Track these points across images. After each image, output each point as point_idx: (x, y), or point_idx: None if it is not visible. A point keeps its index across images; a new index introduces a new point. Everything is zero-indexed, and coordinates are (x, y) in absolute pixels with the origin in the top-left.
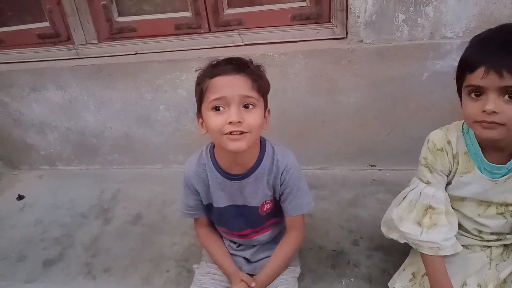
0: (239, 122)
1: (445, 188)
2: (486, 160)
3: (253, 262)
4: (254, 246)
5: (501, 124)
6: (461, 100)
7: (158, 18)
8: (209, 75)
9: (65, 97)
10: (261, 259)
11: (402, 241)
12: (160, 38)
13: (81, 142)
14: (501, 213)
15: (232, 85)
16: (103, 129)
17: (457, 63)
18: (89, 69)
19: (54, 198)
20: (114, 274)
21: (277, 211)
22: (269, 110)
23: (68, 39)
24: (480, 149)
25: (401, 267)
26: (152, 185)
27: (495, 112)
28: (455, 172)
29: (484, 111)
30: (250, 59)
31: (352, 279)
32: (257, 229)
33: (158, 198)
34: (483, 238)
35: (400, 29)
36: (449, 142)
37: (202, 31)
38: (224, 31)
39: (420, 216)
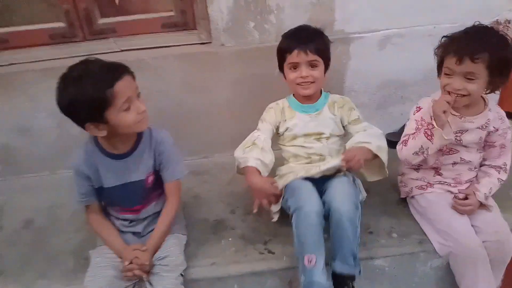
0: None
1: (283, 133)
2: (301, 104)
3: (144, 235)
4: (145, 220)
5: (312, 82)
6: (285, 76)
7: (32, 29)
8: (107, 84)
9: None
10: (151, 231)
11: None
12: (35, 48)
13: None
14: (318, 139)
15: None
16: None
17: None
18: None
19: None
20: (8, 275)
21: (160, 183)
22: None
23: None
24: (297, 101)
25: None
26: (40, 192)
27: (307, 76)
28: (285, 120)
29: (301, 77)
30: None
31: (230, 239)
32: (145, 202)
33: (47, 203)
34: (311, 158)
35: (252, 34)
36: (277, 104)
37: (77, 40)
38: (99, 39)
39: (246, 145)
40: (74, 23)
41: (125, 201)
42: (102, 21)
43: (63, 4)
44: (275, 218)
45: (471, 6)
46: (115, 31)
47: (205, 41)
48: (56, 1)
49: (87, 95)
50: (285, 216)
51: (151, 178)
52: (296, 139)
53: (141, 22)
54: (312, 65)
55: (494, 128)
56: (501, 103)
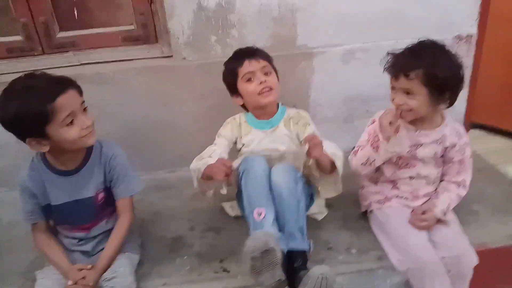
0: None
1: (241, 149)
2: (257, 119)
3: (93, 255)
4: (95, 238)
5: (272, 89)
6: (236, 94)
7: None
8: (49, 99)
9: None
10: (101, 249)
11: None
12: None
13: None
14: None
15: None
16: None
17: None
18: None
19: None
20: None
21: (111, 201)
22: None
23: None
24: (253, 116)
25: None
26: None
27: (265, 81)
28: (241, 136)
29: (260, 83)
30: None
31: (185, 257)
32: (95, 220)
33: (4, 220)
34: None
35: (214, 48)
36: (234, 118)
37: (35, 53)
38: (59, 52)
39: (202, 159)
40: (32, 36)
41: (73, 218)
42: (61, 34)
43: (21, 17)
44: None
45: (433, 21)
46: (74, 45)
47: (167, 55)
48: (14, 15)
49: (28, 109)
50: (244, 233)
51: (101, 195)
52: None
53: (101, 35)
54: (266, 72)
55: (451, 143)
56: (469, 115)
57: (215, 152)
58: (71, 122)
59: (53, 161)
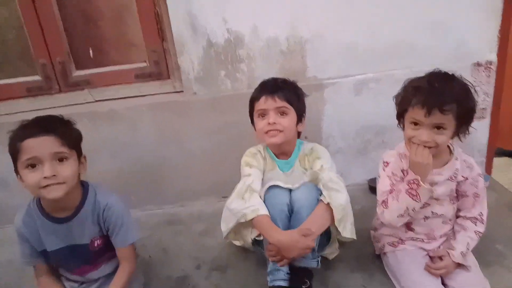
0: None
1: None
2: (278, 159)
3: None
4: (96, 281)
5: (281, 131)
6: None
7: (9, 82)
8: (19, 138)
9: None
10: None
11: (231, 225)
12: (13, 101)
13: None
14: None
15: (41, 146)
16: None
17: None
18: None
19: None
20: None
21: (109, 246)
22: (84, 157)
23: None
24: (273, 154)
25: None
26: (12, 244)
27: (274, 123)
28: (266, 170)
29: (269, 123)
30: (60, 115)
31: None
32: (92, 265)
33: (17, 256)
34: None
35: (223, 82)
36: (259, 151)
37: (53, 92)
38: (75, 90)
39: (242, 193)
40: (50, 76)
41: (70, 263)
42: (77, 73)
43: (40, 58)
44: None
45: (448, 49)
46: (90, 83)
47: (178, 90)
48: (33, 56)
49: (10, 143)
50: (250, 273)
51: (98, 242)
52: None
53: (115, 73)
54: (282, 112)
55: (463, 177)
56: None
57: (254, 183)
58: (32, 167)
59: (47, 207)
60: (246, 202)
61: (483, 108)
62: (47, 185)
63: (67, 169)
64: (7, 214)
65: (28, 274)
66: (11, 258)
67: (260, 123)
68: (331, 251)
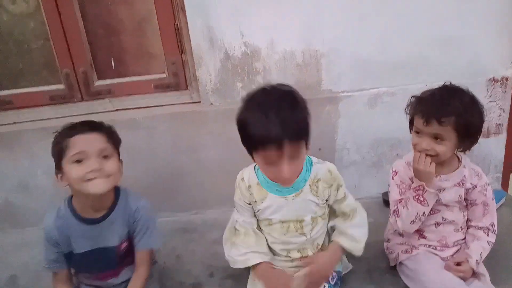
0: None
1: (256, 215)
2: (276, 183)
3: None
4: (114, 287)
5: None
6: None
7: (34, 91)
8: (68, 135)
9: None
10: None
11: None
12: (37, 109)
13: None
14: (300, 232)
15: (89, 141)
16: None
17: None
18: None
19: None
20: None
21: (131, 250)
22: (121, 161)
23: None
24: (267, 178)
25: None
26: (31, 247)
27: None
28: (255, 201)
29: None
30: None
31: None
32: (115, 270)
33: (35, 259)
34: (290, 257)
35: (240, 94)
36: (242, 179)
37: (75, 100)
38: (96, 99)
39: (232, 237)
40: (73, 85)
41: (94, 267)
42: (99, 83)
43: (64, 68)
44: None
45: (462, 65)
46: (110, 92)
47: (195, 101)
48: (57, 65)
49: (55, 142)
50: None
51: (125, 245)
52: (271, 225)
53: (135, 83)
54: (293, 156)
55: (472, 184)
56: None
57: (244, 222)
58: (79, 161)
59: (79, 209)
60: (238, 251)
61: (499, 124)
62: (92, 178)
63: (113, 165)
64: (27, 218)
65: (45, 279)
66: (27, 261)
67: (269, 171)
68: (345, 266)
